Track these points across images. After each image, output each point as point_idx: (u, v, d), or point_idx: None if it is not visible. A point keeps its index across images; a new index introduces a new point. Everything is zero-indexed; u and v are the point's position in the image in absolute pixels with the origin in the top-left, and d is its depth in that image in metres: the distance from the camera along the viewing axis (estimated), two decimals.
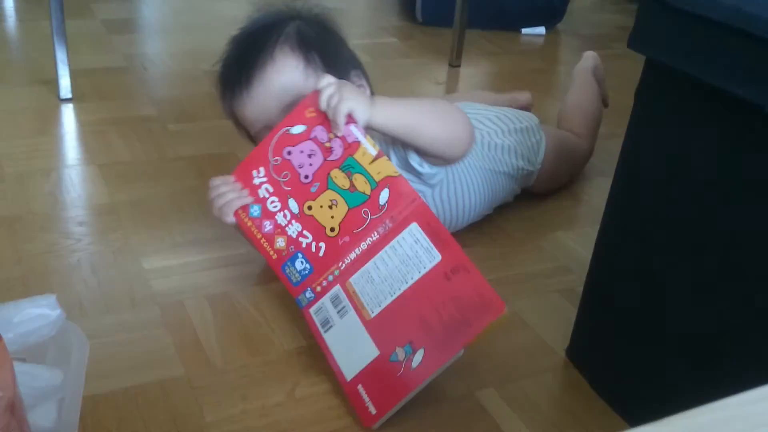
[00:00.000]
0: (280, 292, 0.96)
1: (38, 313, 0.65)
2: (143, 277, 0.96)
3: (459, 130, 0.93)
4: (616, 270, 0.81)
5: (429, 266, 0.81)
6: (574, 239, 1.14)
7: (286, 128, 0.89)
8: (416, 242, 0.84)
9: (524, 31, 2.14)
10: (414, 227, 0.84)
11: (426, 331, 0.78)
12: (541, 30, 2.15)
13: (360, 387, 0.79)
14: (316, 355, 0.85)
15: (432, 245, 0.83)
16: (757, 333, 0.67)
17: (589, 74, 1.41)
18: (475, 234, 1.13)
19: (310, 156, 0.88)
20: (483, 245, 1.10)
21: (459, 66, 1.83)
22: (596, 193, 1.28)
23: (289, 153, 0.88)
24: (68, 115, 1.39)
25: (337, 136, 0.87)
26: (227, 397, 0.79)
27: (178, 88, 1.58)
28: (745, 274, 0.66)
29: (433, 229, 0.84)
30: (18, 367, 0.55)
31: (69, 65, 1.41)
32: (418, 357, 0.78)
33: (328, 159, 0.87)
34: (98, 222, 1.08)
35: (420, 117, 0.91)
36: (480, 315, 0.77)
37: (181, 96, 1.52)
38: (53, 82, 1.44)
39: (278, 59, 0.94)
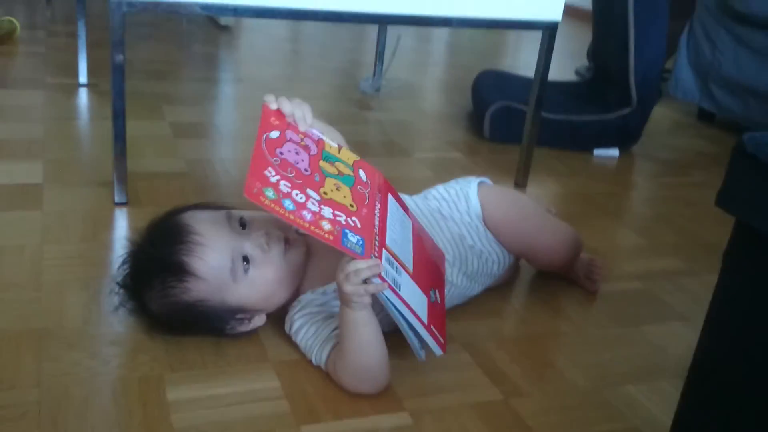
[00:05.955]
0: None
1: None
2: (164, 411, 0.88)
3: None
4: None
5: (409, 227, 1.04)
6: (648, 396, 1.01)
7: (266, 134, 0.95)
8: (397, 209, 1.04)
9: (596, 152, 2.06)
10: (391, 198, 1.04)
11: (429, 274, 1.01)
12: (614, 152, 2.06)
13: (432, 327, 0.94)
14: None
15: (404, 212, 1.06)
16: None
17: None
18: (534, 380, 1.01)
19: (297, 153, 0.96)
20: (543, 395, 0.99)
21: (525, 186, 1.75)
22: (672, 340, 1.16)
23: (281, 153, 0.94)
24: (120, 221, 1.36)
25: (306, 136, 0.99)
26: None
27: (235, 197, 1.54)
28: None
29: (397, 197, 1.07)
30: None
31: (127, 168, 1.40)
32: (436, 294, 1.00)
33: (311, 154, 0.98)
34: (131, 340, 1.01)
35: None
36: (439, 256, 1.09)
37: (237, 205, 1.47)
38: (110, 185, 1.42)
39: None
